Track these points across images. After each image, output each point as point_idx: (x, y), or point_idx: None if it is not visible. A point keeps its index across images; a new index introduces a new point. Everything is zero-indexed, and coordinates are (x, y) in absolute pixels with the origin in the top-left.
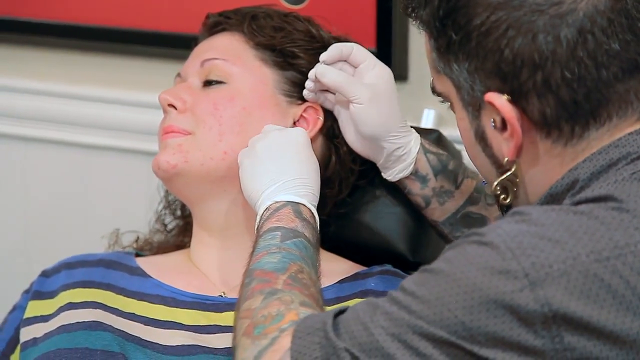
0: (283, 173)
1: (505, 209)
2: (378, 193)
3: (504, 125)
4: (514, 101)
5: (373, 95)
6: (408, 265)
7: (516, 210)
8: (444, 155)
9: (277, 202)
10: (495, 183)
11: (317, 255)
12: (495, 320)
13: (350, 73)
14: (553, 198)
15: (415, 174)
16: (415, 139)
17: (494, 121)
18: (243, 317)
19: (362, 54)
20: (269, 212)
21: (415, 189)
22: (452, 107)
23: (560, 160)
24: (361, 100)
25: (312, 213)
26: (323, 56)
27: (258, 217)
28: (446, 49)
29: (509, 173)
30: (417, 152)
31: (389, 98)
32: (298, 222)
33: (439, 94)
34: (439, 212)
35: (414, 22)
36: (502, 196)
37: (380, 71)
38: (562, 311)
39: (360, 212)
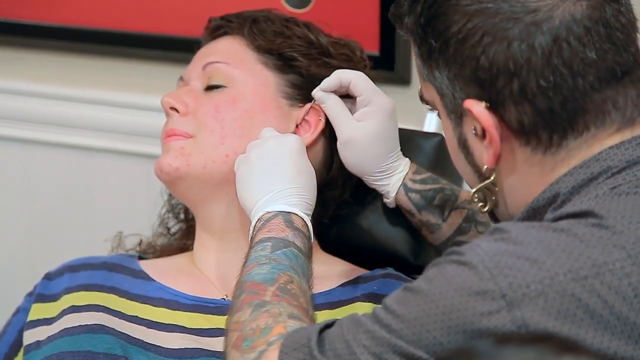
0: (275, 183)
1: (493, 217)
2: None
3: (484, 133)
4: (492, 108)
5: (350, 139)
6: (410, 268)
7: (497, 227)
8: (430, 191)
9: (269, 212)
10: (473, 191)
11: (308, 263)
12: (472, 342)
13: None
14: (535, 212)
15: (400, 206)
16: (395, 182)
17: (475, 129)
18: (232, 329)
19: (358, 88)
20: (261, 222)
21: (407, 216)
22: (439, 115)
23: (540, 169)
24: (339, 140)
25: (305, 222)
26: (323, 84)
27: (251, 228)
28: (428, 56)
29: (487, 181)
30: (397, 193)
31: (368, 143)
32: (289, 232)
33: (426, 102)
34: (431, 239)
35: (399, 30)
36: (480, 204)
37: (371, 110)
38: (539, 332)
39: (362, 215)
